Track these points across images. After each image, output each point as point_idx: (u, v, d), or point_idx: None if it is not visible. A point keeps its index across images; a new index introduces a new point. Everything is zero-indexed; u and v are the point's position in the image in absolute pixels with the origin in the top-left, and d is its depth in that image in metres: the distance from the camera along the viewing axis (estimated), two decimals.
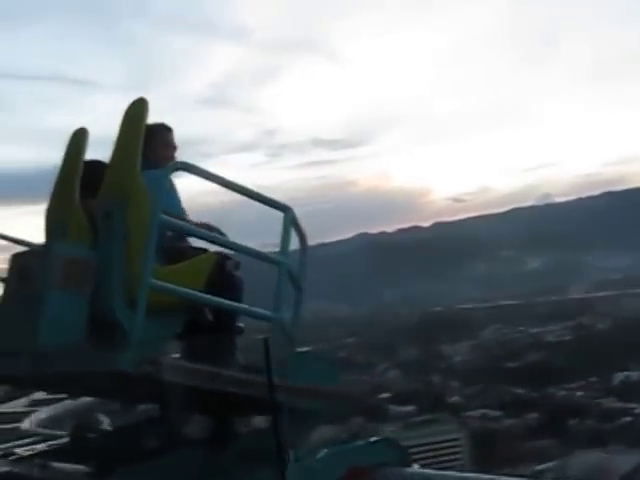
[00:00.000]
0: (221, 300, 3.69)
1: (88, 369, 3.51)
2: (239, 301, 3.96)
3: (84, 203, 3.95)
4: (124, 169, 3.85)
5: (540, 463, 48.52)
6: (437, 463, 50.74)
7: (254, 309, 3.83)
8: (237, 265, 4.14)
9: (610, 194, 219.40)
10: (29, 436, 4.92)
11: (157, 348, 3.51)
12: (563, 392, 65.19)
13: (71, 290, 3.53)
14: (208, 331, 4.05)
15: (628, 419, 56.09)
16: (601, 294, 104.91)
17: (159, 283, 3.42)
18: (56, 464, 4.18)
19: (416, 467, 4.28)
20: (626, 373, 65.97)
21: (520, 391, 64.90)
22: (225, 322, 4.06)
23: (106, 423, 4.78)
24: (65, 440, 4.76)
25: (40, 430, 5.13)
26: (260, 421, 4.22)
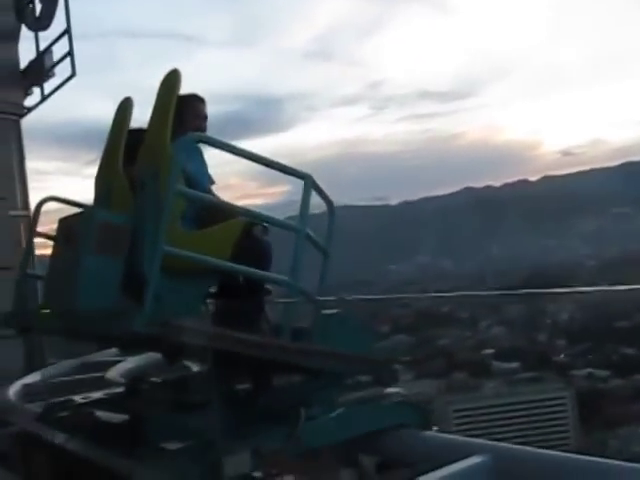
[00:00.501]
0: (235, 265, 3.81)
1: (108, 329, 3.78)
2: (267, 265, 4.11)
3: (128, 170, 4.20)
4: (156, 140, 3.98)
5: None
6: (541, 422, 50.30)
7: (271, 274, 4.01)
8: (265, 230, 4.25)
9: None
10: (109, 385, 5.24)
11: (179, 310, 3.60)
12: None
13: (107, 254, 3.72)
14: (238, 292, 4.21)
15: None
16: None
17: (173, 249, 3.54)
18: (101, 412, 4.41)
19: (435, 430, 4.28)
20: None
21: (629, 351, 63.12)
22: (254, 284, 4.19)
23: (159, 376, 4.94)
24: (120, 390, 4.97)
25: (121, 380, 5.43)
26: (279, 381, 4.29)
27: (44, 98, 9.74)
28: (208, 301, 4.43)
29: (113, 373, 5.74)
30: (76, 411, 4.59)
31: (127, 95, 4.46)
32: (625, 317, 72.30)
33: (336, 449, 3.96)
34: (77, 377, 6.17)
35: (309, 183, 3.89)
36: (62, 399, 4.95)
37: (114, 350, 6.34)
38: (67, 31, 8.87)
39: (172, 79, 4.01)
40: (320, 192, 4.10)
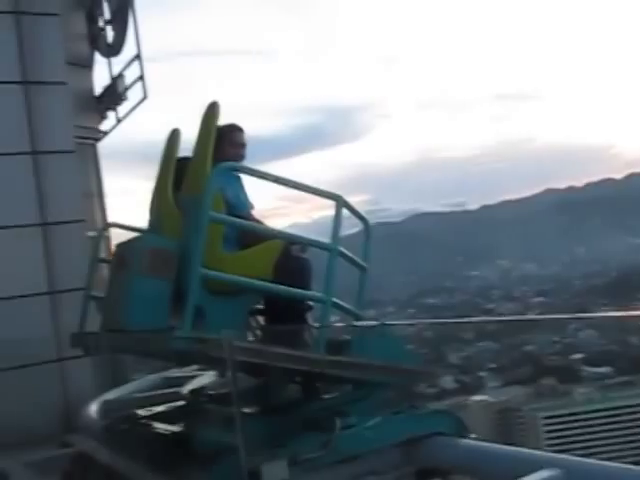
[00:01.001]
0: (267, 284, 4.01)
1: (154, 346, 4.06)
2: (308, 280, 4.27)
3: (177, 196, 4.47)
4: (197, 169, 4.25)
5: None
6: (634, 427, 48.51)
7: (305, 292, 4.16)
8: (303, 248, 4.43)
9: None
10: (181, 399, 5.44)
11: (224, 326, 3.71)
12: None
13: (156, 277, 3.95)
14: (281, 308, 4.36)
15: None
16: None
17: (210, 272, 3.80)
18: (157, 424, 4.66)
19: (472, 439, 4.23)
20: None
21: None
22: (295, 300, 4.29)
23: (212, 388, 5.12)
24: (181, 403, 5.16)
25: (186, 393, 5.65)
26: (316, 392, 4.40)
27: (119, 121, 10.05)
28: (257, 316, 4.66)
29: (188, 387, 5.91)
30: (135, 425, 4.86)
31: (175, 128, 4.79)
32: None
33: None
34: (157, 392, 6.32)
35: (340, 204, 4.04)
36: (126, 414, 5.21)
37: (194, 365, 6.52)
38: (138, 56, 9.11)
39: (212, 111, 4.27)
40: (354, 212, 4.31)
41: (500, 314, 67.87)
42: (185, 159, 4.53)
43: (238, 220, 4.22)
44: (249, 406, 4.20)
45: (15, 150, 7.91)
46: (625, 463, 3.41)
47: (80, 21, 9.91)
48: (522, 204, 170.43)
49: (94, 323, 4.91)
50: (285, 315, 4.36)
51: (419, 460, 4.05)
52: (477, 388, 58.45)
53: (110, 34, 9.92)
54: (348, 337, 4.32)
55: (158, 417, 4.85)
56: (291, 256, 4.30)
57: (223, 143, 4.54)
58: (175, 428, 4.50)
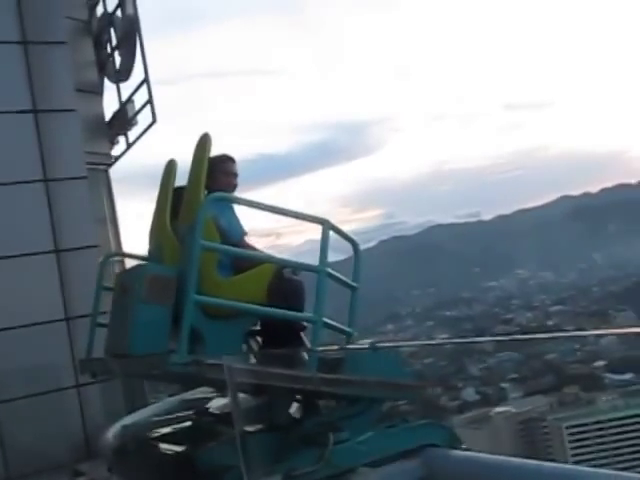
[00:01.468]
0: (259, 308, 4.24)
1: (154, 369, 4.30)
2: (301, 301, 4.46)
3: (175, 225, 4.74)
4: (191, 199, 4.53)
5: None
6: None
7: (297, 313, 4.36)
8: (295, 271, 4.60)
9: None
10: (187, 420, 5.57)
11: (221, 349, 4.05)
12: None
13: (155, 304, 4.15)
14: (276, 329, 4.59)
15: None
16: None
17: (203, 297, 4.05)
18: (163, 445, 4.87)
19: (464, 449, 4.34)
20: None
21: None
22: (288, 321, 4.48)
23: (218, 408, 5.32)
24: (187, 424, 5.39)
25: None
26: (315, 409, 4.59)
27: (129, 146, 10.12)
28: (255, 337, 4.90)
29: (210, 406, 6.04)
30: (141, 447, 5.10)
31: (171, 159, 5.04)
32: None
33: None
34: (175, 415, 6.34)
35: (327, 228, 4.21)
36: (133, 436, 5.45)
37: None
38: (145, 80, 9.19)
39: (203, 142, 4.50)
40: (342, 234, 4.50)
41: (519, 324, 67.54)
42: (183, 188, 4.78)
43: (227, 247, 4.44)
44: (251, 424, 4.35)
45: (27, 178, 7.99)
46: None
47: (88, 48, 10.01)
48: (537, 212, 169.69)
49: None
50: (281, 335, 4.55)
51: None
52: (499, 399, 57.90)
53: (118, 60, 10.00)
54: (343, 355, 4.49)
55: (164, 438, 5.04)
56: (284, 278, 4.47)
57: (216, 173, 4.78)
58: (179, 448, 4.69)
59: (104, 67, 10.25)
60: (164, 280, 4.22)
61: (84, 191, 8.44)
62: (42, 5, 8.31)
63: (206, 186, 4.56)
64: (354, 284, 4.61)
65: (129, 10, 9.48)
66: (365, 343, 4.66)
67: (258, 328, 4.79)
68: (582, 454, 47.42)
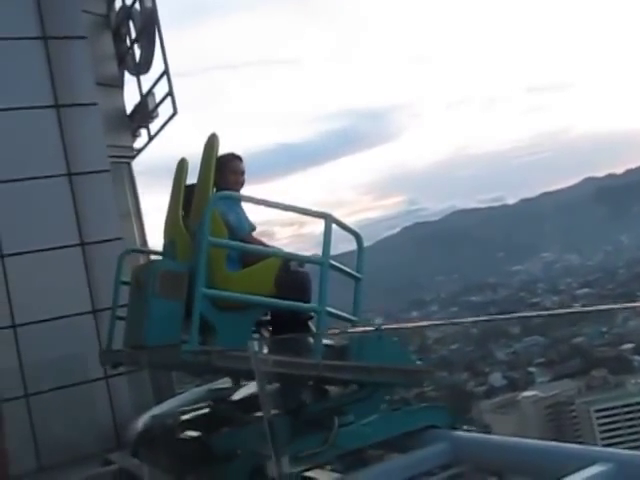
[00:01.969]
0: (265, 299, 4.44)
1: (164, 360, 4.58)
2: (308, 292, 4.66)
3: (187, 222, 4.96)
4: (200, 196, 4.72)
5: None
6: None
7: (302, 304, 4.56)
8: (302, 263, 4.81)
9: None
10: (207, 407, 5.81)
11: (233, 339, 4.27)
12: None
13: (168, 298, 4.34)
14: (285, 319, 4.77)
15: None
16: None
17: (212, 291, 4.25)
18: (181, 431, 5.21)
19: (464, 429, 4.65)
20: None
21: None
22: (295, 311, 4.66)
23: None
24: (205, 410, 5.68)
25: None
26: (325, 394, 4.78)
27: (151, 139, 10.16)
28: (268, 327, 5.10)
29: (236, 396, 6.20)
30: (163, 432, 5.47)
31: (182, 157, 5.26)
32: None
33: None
34: (195, 404, 6.46)
35: (329, 221, 4.37)
36: (157, 423, 5.91)
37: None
38: (165, 72, 9.21)
39: (212, 142, 4.69)
40: (345, 227, 4.65)
41: (546, 308, 67.01)
42: (195, 185, 4.97)
43: (234, 243, 4.63)
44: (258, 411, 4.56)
45: (51, 173, 8.06)
46: None
47: (107, 41, 10.07)
48: (562, 195, 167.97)
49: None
50: (289, 325, 4.72)
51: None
52: (526, 384, 57.62)
53: (137, 52, 10.03)
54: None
55: (183, 425, 5.35)
56: (290, 270, 4.66)
57: (224, 171, 4.96)
58: (196, 434, 5.03)
59: (124, 60, 10.30)
60: (176, 275, 4.42)
61: (107, 184, 8.51)
62: (61, 0, 8.36)
63: (215, 184, 4.78)
64: (357, 275, 4.76)
65: (147, 3, 9.52)
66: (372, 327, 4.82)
67: (268, 318, 4.98)
68: (611, 437, 47.09)
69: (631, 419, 48.94)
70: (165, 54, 9.17)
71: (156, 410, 6.62)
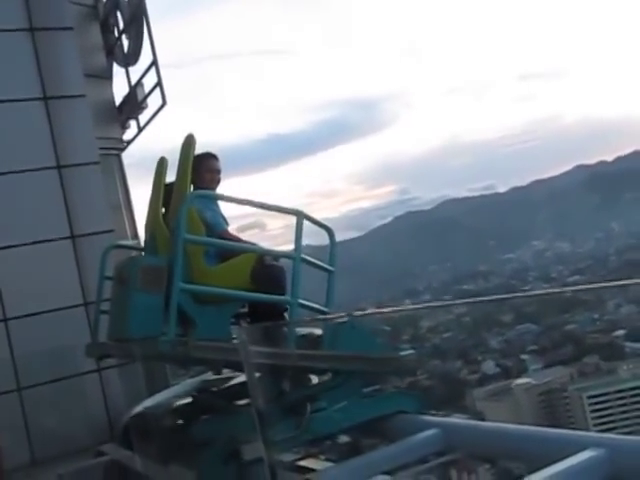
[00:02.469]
0: (240, 292, 4.67)
1: (145, 352, 4.80)
2: (283, 284, 4.86)
3: (167, 218, 5.17)
4: (177, 194, 4.92)
5: None
6: None
7: (275, 297, 4.76)
8: (276, 257, 5.03)
9: None
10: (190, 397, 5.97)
11: (211, 332, 4.48)
12: None
13: (149, 291, 4.56)
14: (261, 311, 5.01)
15: None
16: None
17: (188, 285, 4.46)
18: (164, 420, 5.57)
19: (432, 414, 4.61)
20: None
21: None
22: (271, 304, 4.89)
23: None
24: (188, 400, 5.94)
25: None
26: (302, 382, 4.93)
27: (140, 130, 10.12)
28: (246, 319, 5.30)
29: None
30: (147, 422, 5.77)
31: (162, 157, 5.38)
32: None
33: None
34: (194, 395, 6.45)
35: (301, 218, 4.53)
36: (143, 413, 6.22)
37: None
38: (154, 63, 9.17)
39: (189, 142, 4.87)
40: (316, 222, 4.85)
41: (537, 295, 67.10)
42: (169, 185, 5.28)
43: (209, 239, 4.86)
44: (242, 399, 4.89)
45: (40, 165, 8.01)
46: None
47: (95, 33, 10.01)
48: (553, 183, 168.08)
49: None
50: (266, 316, 4.90)
51: (383, 436, 4.43)
52: (519, 371, 57.85)
53: (126, 43, 9.98)
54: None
55: (167, 415, 5.69)
56: (265, 265, 4.90)
57: (200, 170, 5.22)
58: (178, 422, 5.37)
59: (112, 51, 10.25)
60: (156, 270, 4.62)
61: (97, 176, 8.48)
62: None
63: (192, 182, 5.01)
64: (330, 267, 5.00)
65: None
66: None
67: (246, 310, 5.21)
68: (604, 423, 47.38)
69: (623, 405, 49.21)
70: (153, 44, 9.13)
71: (147, 402, 6.64)
